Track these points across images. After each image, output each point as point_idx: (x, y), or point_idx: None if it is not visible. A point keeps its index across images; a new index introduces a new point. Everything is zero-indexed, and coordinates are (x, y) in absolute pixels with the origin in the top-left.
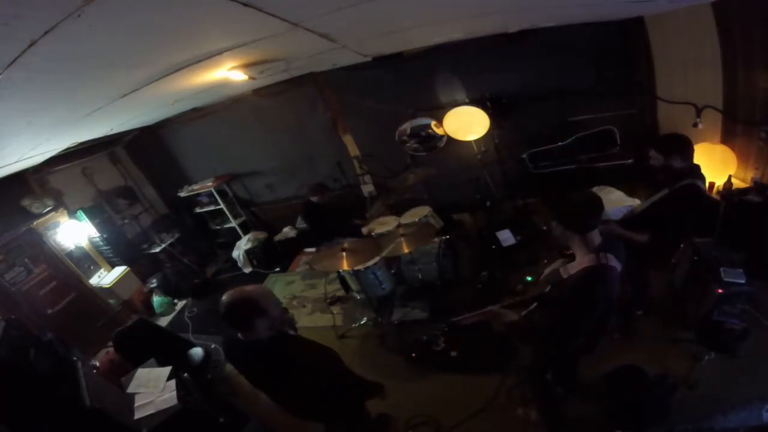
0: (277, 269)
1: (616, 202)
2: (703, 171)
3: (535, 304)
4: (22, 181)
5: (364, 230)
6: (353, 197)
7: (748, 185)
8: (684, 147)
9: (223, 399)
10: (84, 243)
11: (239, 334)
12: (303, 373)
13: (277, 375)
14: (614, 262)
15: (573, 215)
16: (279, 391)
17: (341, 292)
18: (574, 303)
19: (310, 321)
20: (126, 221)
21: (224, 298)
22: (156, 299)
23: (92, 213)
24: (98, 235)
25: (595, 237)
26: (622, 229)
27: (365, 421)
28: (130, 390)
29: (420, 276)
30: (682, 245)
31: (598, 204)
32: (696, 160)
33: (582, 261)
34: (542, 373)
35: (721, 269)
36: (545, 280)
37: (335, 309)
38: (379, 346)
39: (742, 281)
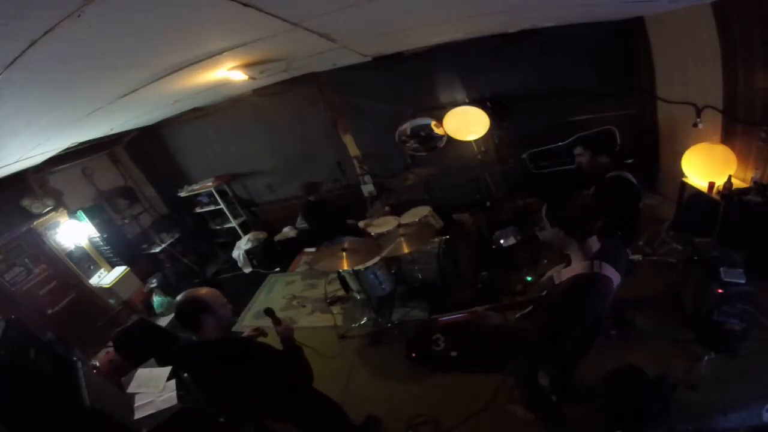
0: (277, 269)
1: None
2: (704, 171)
3: (530, 307)
4: (22, 181)
5: (362, 224)
6: (353, 197)
7: (748, 185)
8: (611, 144)
9: None
10: (84, 243)
11: (193, 336)
12: (246, 374)
13: (220, 375)
14: (610, 272)
15: (575, 221)
16: (222, 391)
17: (341, 292)
18: (561, 311)
19: (310, 321)
20: (126, 221)
21: (177, 298)
22: (156, 299)
23: (92, 213)
24: (98, 235)
25: (593, 243)
26: None
27: (346, 424)
28: (130, 390)
29: (420, 276)
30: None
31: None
32: (696, 161)
33: (575, 268)
34: (529, 372)
35: (721, 269)
36: (543, 284)
37: (335, 309)
38: (379, 346)
39: (742, 281)
